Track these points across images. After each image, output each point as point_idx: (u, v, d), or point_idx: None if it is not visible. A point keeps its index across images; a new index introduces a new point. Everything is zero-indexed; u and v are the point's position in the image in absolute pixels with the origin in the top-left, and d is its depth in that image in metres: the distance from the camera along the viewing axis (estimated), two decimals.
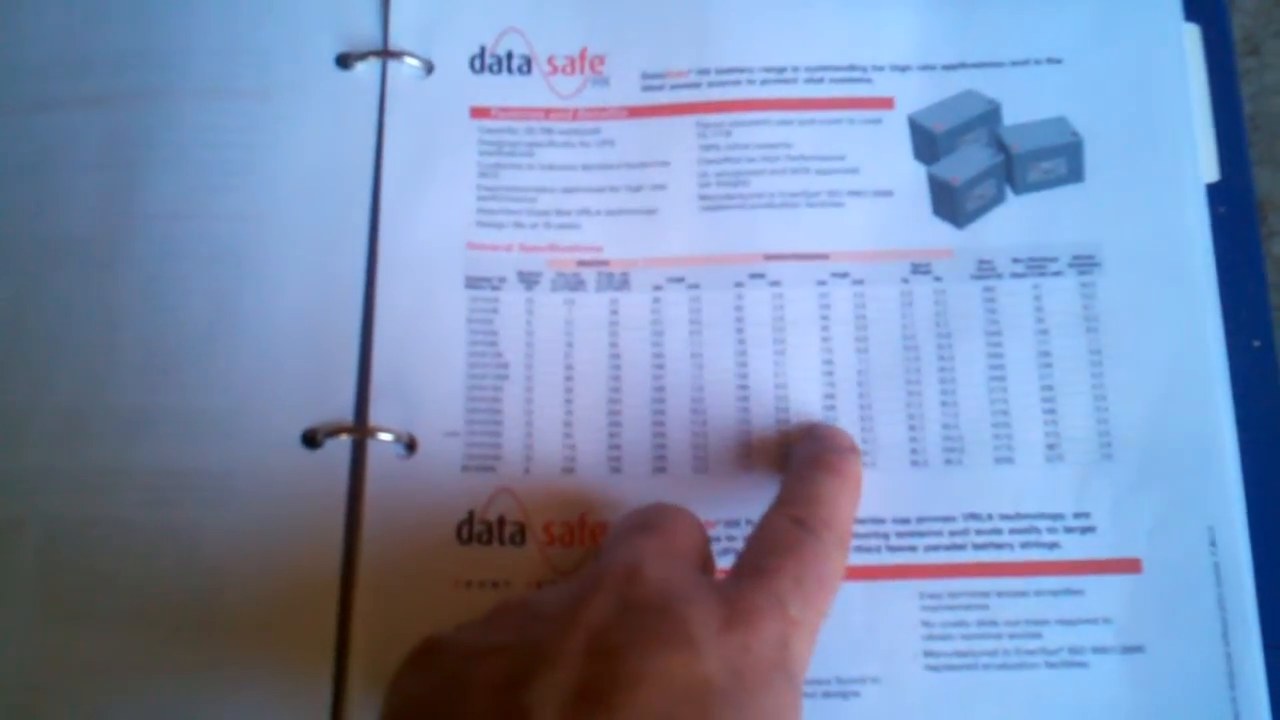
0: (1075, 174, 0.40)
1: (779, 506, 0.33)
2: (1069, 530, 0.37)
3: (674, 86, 0.42)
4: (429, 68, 0.41)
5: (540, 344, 0.39)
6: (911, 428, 0.38)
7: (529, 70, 0.42)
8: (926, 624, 0.36)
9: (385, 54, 0.41)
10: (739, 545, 0.37)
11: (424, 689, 0.29)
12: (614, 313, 0.39)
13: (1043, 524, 0.37)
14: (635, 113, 0.41)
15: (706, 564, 0.34)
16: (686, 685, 0.26)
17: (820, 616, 0.30)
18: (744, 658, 0.27)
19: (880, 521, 0.37)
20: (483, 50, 0.42)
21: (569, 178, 0.41)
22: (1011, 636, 0.36)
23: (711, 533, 0.37)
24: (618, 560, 0.30)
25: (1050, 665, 0.36)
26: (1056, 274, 0.39)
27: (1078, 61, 0.41)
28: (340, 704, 0.36)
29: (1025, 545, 0.37)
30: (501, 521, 0.37)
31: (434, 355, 0.39)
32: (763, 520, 0.33)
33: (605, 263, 0.40)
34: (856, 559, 0.37)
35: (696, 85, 0.42)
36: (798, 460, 0.36)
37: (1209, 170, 0.40)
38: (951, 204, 0.40)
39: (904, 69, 0.41)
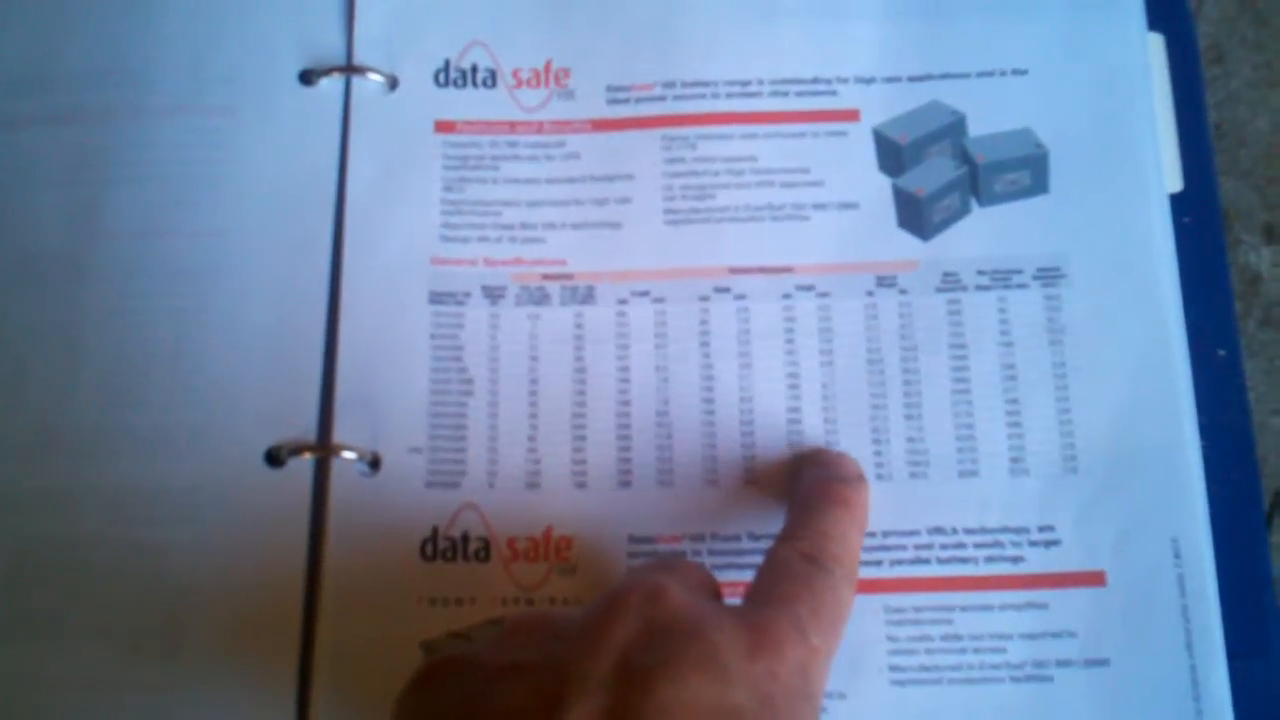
0: (1040, 185, 0.40)
1: (788, 540, 0.33)
2: (1033, 543, 0.37)
3: (639, 100, 0.41)
4: (393, 83, 0.41)
5: (505, 358, 0.39)
6: (876, 441, 0.38)
7: (494, 83, 0.42)
8: (891, 639, 0.36)
9: (349, 70, 0.41)
10: (704, 560, 0.37)
11: (440, 710, 0.28)
12: (579, 326, 0.39)
13: (1007, 538, 0.37)
14: (600, 126, 0.41)
15: (718, 596, 0.33)
16: (718, 713, 0.26)
17: (834, 648, 0.30)
18: (771, 685, 0.27)
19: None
20: (447, 64, 0.42)
21: (534, 191, 0.41)
22: (976, 651, 0.36)
23: (676, 547, 0.37)
24: (638, 582, 0.29)
25: (1014, 679, 0.36)
26: (1021, 286, 0.39)
27: (1043, 72, 0.41)
28: None
29: (989, 559, 0.37)
30: (465, 538, 0.37)
31: (398, 372, 0.39)
32: (772, 553, 0.33)
33: (570, 276, 0.40)
34: None
35: (662, 99, 0.41)
36: (804, 488, 0.36)
37: (1173, 180, 0.40)
38: (917, 216, 0.40)
39: (869, 81, 0.41)
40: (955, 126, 0.41)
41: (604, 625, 0.28)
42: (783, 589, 0.31)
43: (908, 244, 0.40)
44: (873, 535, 0.37)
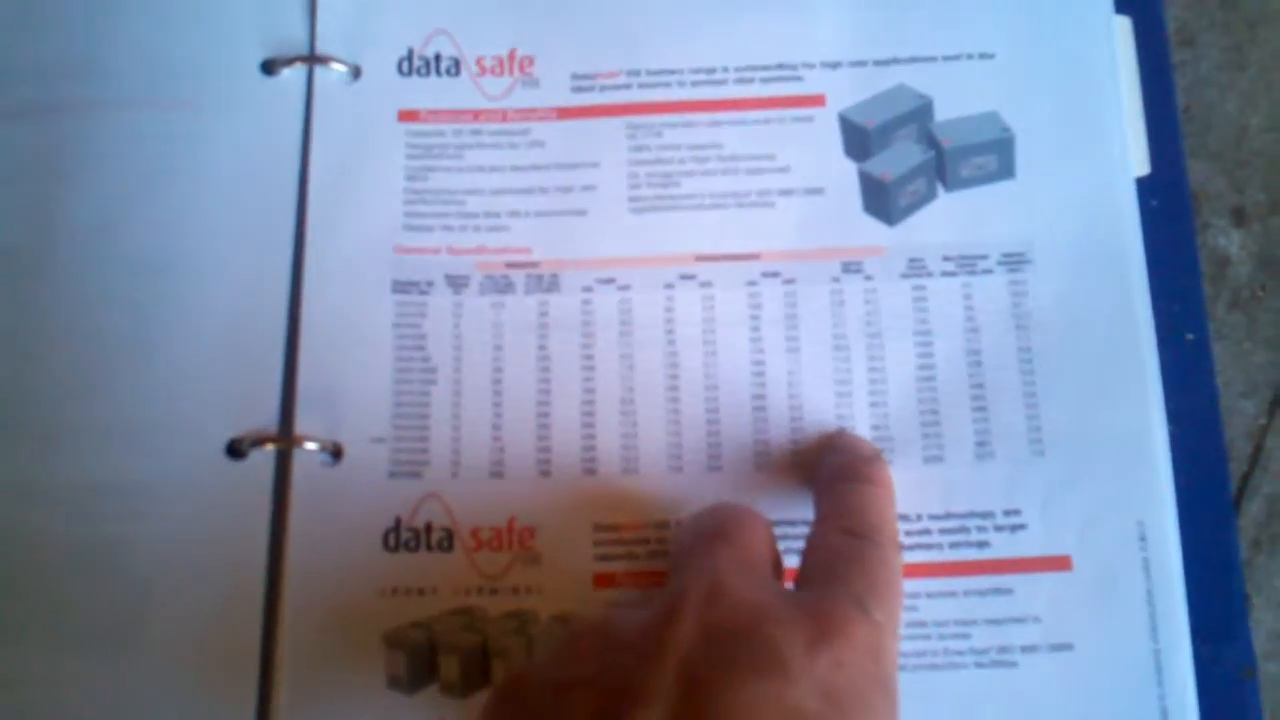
0: (1007, 170, 0.40)
1: (824, 522, 0.33)
2: (999, 528, 0.37)
3: (604, 88, 0.41)
4: (356, 72, 0.41)
5: (468, 347, 0.39)
6: (841, 428, 0.38)
7: (457, 72, 0.42)
8: None
9: (312, 60, 0.41)
10: (669, 549, 0.37)
11: None
12: (543, 315, 0.39)
13: (972, 523, 0.37)
14: (565, 114, 0.41)
15: (778, 566, 0.33)
16: (779, 717, 0.26)
17: (899, 619, 0.30)
18: (837, 676, 0.27)
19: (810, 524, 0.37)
20: (410, 53, 0.42)
21: (498, 179, 0.41)
22: (940, 637, 0.36)
23: (638, 535, 0.37)
24: (696, 579, 0.29)
25: (979, 665, 0.36)
26: (987, 271, 0.39)
27: (1009, 56, 0.41)
28: (265, 715, 0.35)
29: (955, 545, 0.37)
30: (429, 528, 0.37)
31: (360, 361, 0.38)
32: (813, 536, 0.33)
33: (534, 264, 0.40)
34: (786, 563, 0.36)
35: (627, 86, 0.41)
36: (826, 475, 0.36)
37: (1140, 163, 0.40)
38: (883, 201, 0.40)
39: (835, 65, 0.41)
40: (922, 110, 0.41)
41: (663, 632, 0.27)
42: (835, 569, 0.30)
43: (874, 230, 0.40)
44: None
